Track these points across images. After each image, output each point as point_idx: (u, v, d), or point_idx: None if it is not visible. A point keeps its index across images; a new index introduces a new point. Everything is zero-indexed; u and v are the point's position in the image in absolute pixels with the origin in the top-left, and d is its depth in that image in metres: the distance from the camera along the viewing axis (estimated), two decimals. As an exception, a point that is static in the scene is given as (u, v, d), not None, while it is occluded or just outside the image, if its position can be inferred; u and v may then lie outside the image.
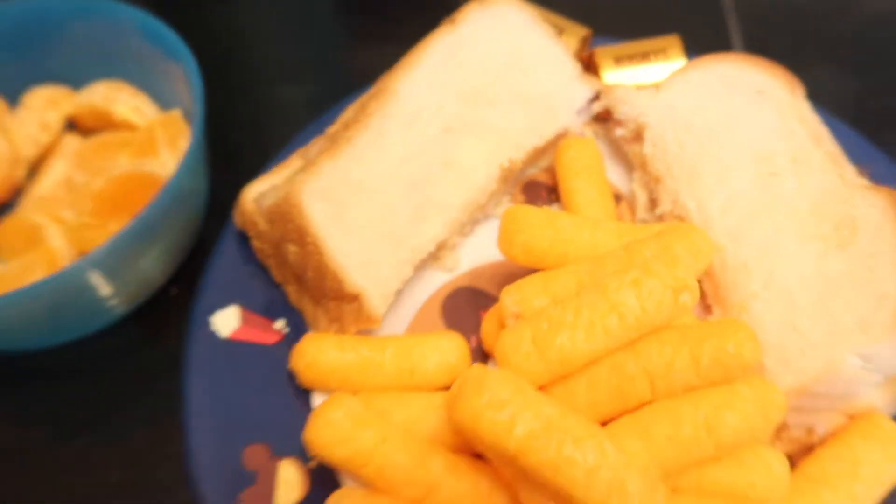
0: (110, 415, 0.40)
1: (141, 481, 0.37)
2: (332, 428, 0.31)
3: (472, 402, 0.29)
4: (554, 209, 0.40)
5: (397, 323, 0.40)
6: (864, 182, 0.37)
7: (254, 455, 0.35)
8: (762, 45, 0.55)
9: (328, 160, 0.36)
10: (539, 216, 0.36)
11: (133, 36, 0.44)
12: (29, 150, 0.47)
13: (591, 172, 0.43)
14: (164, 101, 0.48)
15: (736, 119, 0.40)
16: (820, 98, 0.44)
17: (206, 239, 0.45)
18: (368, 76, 0.44)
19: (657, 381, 0.32)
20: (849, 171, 0.37)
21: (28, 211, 0.43)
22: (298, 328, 0.39)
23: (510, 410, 0.28)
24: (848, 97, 0.51)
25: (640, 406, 0.32)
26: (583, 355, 0.32)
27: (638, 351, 0.32)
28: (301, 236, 0.35)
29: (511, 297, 0.35)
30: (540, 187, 0.46)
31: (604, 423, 0.32)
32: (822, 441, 0.35)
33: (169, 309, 0.43)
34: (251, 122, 0.52)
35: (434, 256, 0.42)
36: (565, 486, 0.28)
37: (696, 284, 0.31)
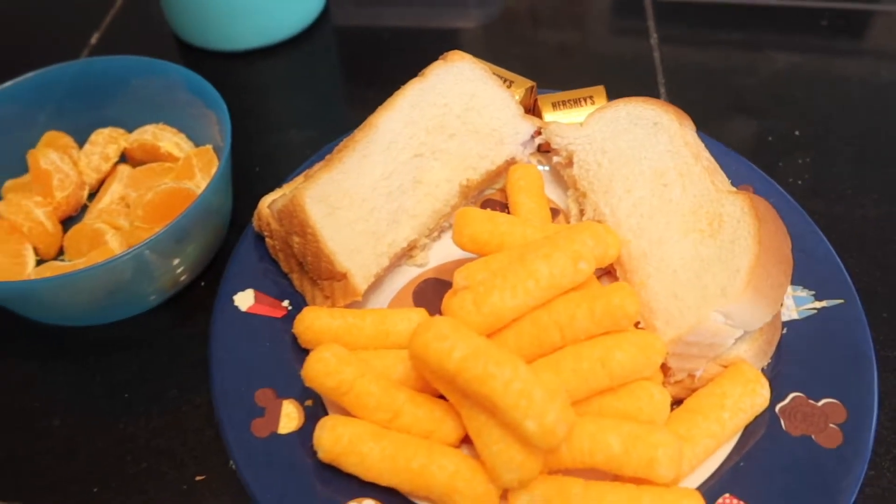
0: (148, 377, 0.50)
1: (174, 425, 0.47)
2: (322, 363, 0.42)
3: (423, 337, 0.39)
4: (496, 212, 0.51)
5: (377, 307, 0.51)
6: (729, 187, 0.48)
7: (263, 396, 0.45)
8: (681, 95, 0.67)
9: (324, 173, 0.47)
10: (482, 214, 0.48)
11: (179, 89, 0.57)
12: (91, 177, 0.59)
13: (532, 190, 0.54)
14: (198, 139, 0.60)
15: (638, 144, 0.51)
16: (726, 135, 0.56)
17: (229, 247, 0.56)
18: (357, 123, 0.57)
19: (565, 330, 0.42)
20: (720, 178, 0.48)
21: (91, 220, 0.55)
22: (300, 307, 0.49)
23: (450, 342, 0.39)
24: (749, 134, 0.63)
25: (554, 350, 0.43)
26: (510, 310, 0.42)
27: (550, 307, 0.42)
28: (303, 229, 0.46)
29: (461, 275, 0.46)
30: (495, 204, 0.57)
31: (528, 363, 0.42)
32: (702, 385, 0.45)
33: (199, 298, 0.54)
34: (266, 157, 0.64)
35: (408, 255, 0.53)
36: (490, 396, 0.38)
37: (593, 255, 0.42)
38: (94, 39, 0.76)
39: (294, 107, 0.70)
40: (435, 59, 0.55)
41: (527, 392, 0.37)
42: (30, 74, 0.58)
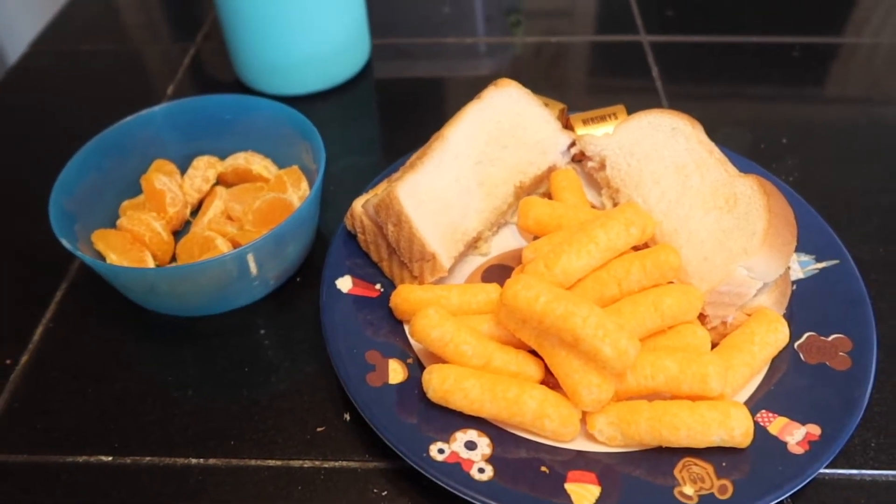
0: (262, 353, 0.59)
1: (291, 390, 0.56)
2: (427, 318, 0.51)
3: (513, 288, 0.48)
4: (551, 206, 0.61)
5: (453, 287, 0.61)
6: (739, 173, 0.59)
7: (372, 356, 0.54)
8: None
9: (411, 174, 0.58)
10: (543, 201, 0.58)
11: (277, 122, 0.67)
12: (193, 197, 0.68)
13: (573, 188, 0.64)
14: (281, 163, 0.71)
15: (661, 146, 0.62)
16: (727, 143, 0.68)
17: (316, 250, 0.66)
18: (406, 151, 0.68)
19: (622, 283, 0.52)
20: (730, 168, 0.59)
21: (199, 230, 0.64)
22: (389, 289, 0.59)
23: (535, 290, 0.48)
24: (744, 143, 0.76)
25: (614, 301, 0.53)
26: (576, 270, 0.52)
27: (608, 267, 0.52)
28: (398, 218, 0.56)
29: (529, 250, 0.56)
30: (540, 204, 0.68)
31: (592, 314, 0.52)
32: (733, 331, 0.54)
33: (297, 290, 0.63)
34: (336, 178, 0.75)
35: (474, 246, 0.63)
36: (572, 329, 0.47)
37: (639, 223, 0.53)
38: (170, 91, 0.87)
39: (351, 138, 0.81)
40: (457, 101, 0.67)
41: (602, 324, 0.47)
42: (141, 112, 0.68)
